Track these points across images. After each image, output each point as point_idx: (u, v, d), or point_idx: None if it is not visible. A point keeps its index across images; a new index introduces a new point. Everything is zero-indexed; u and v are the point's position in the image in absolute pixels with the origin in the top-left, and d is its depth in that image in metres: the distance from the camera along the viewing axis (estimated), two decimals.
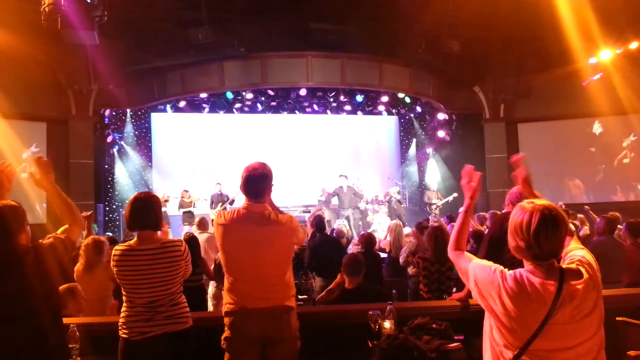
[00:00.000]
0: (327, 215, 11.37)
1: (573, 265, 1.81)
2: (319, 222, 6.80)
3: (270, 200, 3.07)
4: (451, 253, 2.17)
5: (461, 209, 2.27)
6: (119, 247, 2.85)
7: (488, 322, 1.88)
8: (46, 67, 10.08)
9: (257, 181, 2.89)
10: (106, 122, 12.10)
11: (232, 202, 11.21)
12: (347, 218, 11.42)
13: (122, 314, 2.84)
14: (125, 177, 12.82)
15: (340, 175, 11.94)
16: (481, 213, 8.57)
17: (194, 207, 11.38)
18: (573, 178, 12.31)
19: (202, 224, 7.54)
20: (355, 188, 12.04)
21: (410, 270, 5.77)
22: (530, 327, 1.72)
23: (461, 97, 12.83)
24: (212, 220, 7.93)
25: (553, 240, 1.74)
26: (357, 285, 3.97)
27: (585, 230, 7.33)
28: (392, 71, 11.81)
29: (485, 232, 5.06)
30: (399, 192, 12.72)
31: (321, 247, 6.19)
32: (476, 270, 1.90)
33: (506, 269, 1.85)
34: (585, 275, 1.77)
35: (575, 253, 1.90)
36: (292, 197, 12.21)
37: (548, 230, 1.73)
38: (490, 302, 1.81)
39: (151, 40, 10.36)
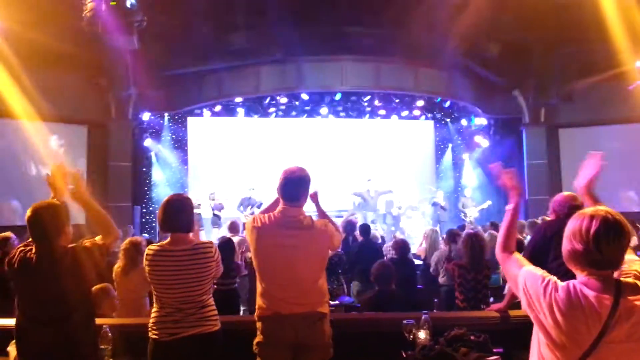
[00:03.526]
0: (360, 219, 11.29)
1: (630, 279, 1.68)
2: (361, 228, 6.79)
3: (319, 205, 3.19)
4: (499, 254, 2.02)
5: (508, 207, 2.12)
6: (152, 247, 2.88)
7: (536, 336, 1.76)
8: (87, 71, 10.36)
9: (295, 185, 2.86)
10: (144, 125, 12.35)
11: (259, 207, 11.27)
12: (373, 222, 11.33)
13: (152, 315, 2.86)
14: (162, 180, 13.04)
15: (369, 180, 12.09)
16: (519, 220, 8.30)
17: (220, 210, 11.51)
18: (626, 188, 11.76)
19: (234, 227, 7.58)
20: (377, 189, 11.99)
21: (441, 279, 5.63)
22: (582, 344, 1.59)
23: (499, 101, 12.51)
24: (244, 223, 8.00)
25: (614, 248, 1.62)
26: (389, 290, 3.95)
27: (634, 241, 6.99)
28: (428, 75, 11.65)
29: (526, 241, 4.88)
30: (444, 199, 12.52)
31: (362, 251, 6.14)
32: (526, 278, 1.77)
33: (558, 280, 1.72)
34: None
35: (630, 266, 1.76)
36: (325, 201, 12.14)
37: (609, 236, 1.61)
38: (539, 315, 1.68)
39: (189, 45, 10.53)
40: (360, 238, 7.38)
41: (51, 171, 2.85)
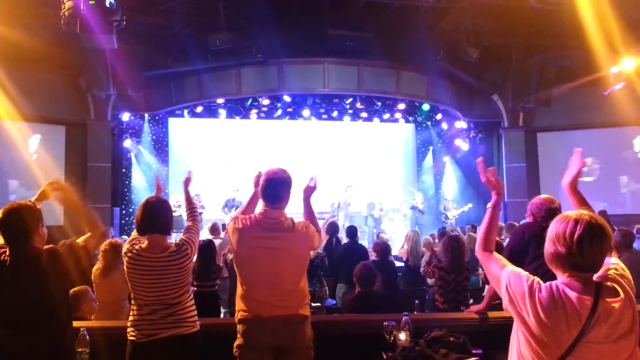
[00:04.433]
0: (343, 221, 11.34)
1: (609, 283, 1.72)
2: (348, 230, 6.78)
3: (309, 202, 3.07)
4: (480, 254, 2.05)
5: (488, 205, 2.16)
6: (130, 250, 2.83)
7: (516, 336, 1.79)
8: (66, 71, 10.24)
9: (277, 186, 2.85)
10: (124, 126, 12.20)
11: None
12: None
13: (130, 317, 2.84)
14: (142, 181, 12.89)
15: (349, 186, 12.41)
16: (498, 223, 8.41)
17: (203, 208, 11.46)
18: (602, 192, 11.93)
19: (215, 229, 7.52)
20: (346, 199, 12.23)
21: (430, 280, 5.70)
22: (563, 343, 1.63)
23: (479, 105, 12.70)
24: (223, 224, 7.96)
25: (596, 251, 1.66)
26: (371, 291, 3.97)
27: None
28: (410, 78, 11.74)
29: (504, 243, 4.95)
30: (422, 202, 12.63)
31: (348, 253, 6.14)
32: (510, 277, 1.81)
33: (541, 281, 1.76)
34: (622, 293, 1.69)
35: (608, 264, 1.80)
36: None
37: (593, 240, 1.65)
38: (522, 313, 1.72)
39: (169, 45, 10.46)
40: (343, 240, 7.41)
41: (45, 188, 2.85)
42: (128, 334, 2.78)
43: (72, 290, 3.08)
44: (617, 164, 11.96)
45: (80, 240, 2.71)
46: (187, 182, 3.43)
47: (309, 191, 3.11)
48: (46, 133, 10.47)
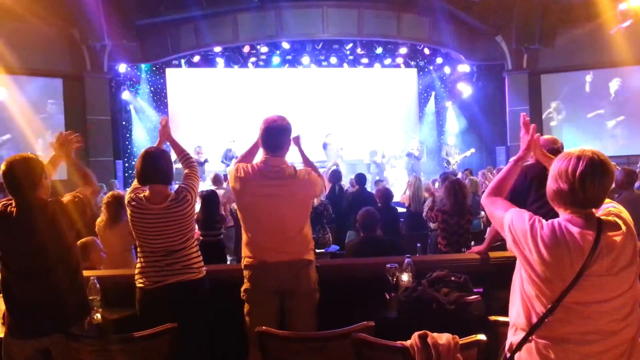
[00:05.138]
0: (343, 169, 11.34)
1: (610, 218, 1.73)
2: (357, 177, 6.82)
3: (302, 150, 3.13)
4: (487, 198, 2.06)
5: (513, 158, 2.18)
6: (133, 199, 2.83)
7: (519, 274, 1.81)
8: (60, 22, 9.99)
9: (277, 134, 2.83)
10: (121, 78, 12.02)
11: None
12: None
13: (137, 264, 2.89)
14: (143, 133, 12.85)
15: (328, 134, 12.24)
16: (501, 167, 8.43)
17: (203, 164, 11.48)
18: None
19: (217, 180, 7.56)
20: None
21: (433, 225, 5.76)
22: (566, 277, 1.66)
23: (483, 47, 12.40)
24: (225, 175, 8.00)
25: (598, 187, 1.67)
26: (374, 236, 4.01)
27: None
28: (411, 21, 11.45)
29: None
30: (418, 149, 12.58)
31: (357, 200, 6.19)
32: (513, 218, 1.82)
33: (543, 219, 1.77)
34: (623, 227, 1.70)
35: (607, 205, 1.81)
36: (307, 151, 12.14)
37: (595, 176, 1.66)
38: (524, 251, 1.74)
39: None
40: (346, 187, 7.46)
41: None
42: (136, 281, 2.84)
43: (80, 241, 3.13)
44: (619, 104, 11.85)
45: (78, 190, 2.73)
46: (166, 130, 3.36)
47: (296, 141, 3.14)
48: (42, 86, 10.34)
